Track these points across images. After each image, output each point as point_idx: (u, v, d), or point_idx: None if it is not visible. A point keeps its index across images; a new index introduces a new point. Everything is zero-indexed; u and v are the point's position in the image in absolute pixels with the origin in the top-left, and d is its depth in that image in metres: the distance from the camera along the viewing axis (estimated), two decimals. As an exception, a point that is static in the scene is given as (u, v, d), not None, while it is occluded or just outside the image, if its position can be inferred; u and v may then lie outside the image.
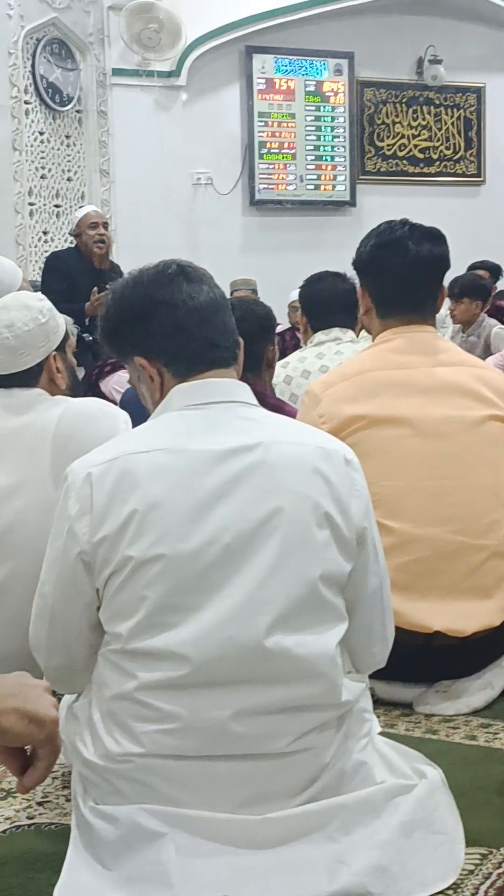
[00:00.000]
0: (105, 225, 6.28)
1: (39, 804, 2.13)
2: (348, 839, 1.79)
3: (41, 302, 2.76)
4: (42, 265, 7.76)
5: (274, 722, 1.78)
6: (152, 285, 1.98)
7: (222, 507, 1.82)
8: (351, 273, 3.16)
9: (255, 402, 1.98)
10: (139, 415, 2.05)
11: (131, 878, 1.73)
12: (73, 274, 6.06)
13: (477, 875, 1.81)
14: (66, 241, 8.17)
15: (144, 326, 1.97)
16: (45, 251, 8.03)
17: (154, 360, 1.97)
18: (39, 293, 3.10)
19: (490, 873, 1.82)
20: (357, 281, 3.05)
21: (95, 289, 5.65)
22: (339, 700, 1.84)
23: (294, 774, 1.81)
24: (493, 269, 8.10)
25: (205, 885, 1.69)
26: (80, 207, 7.38)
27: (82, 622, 1.91)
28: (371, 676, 2.46)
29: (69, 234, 6.43)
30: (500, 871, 1.83)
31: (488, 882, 1.79)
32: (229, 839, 1.75)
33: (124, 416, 2.66)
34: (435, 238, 2.84)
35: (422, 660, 2.57)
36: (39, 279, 6.86)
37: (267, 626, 1.78)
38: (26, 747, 1.29)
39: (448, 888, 1.77)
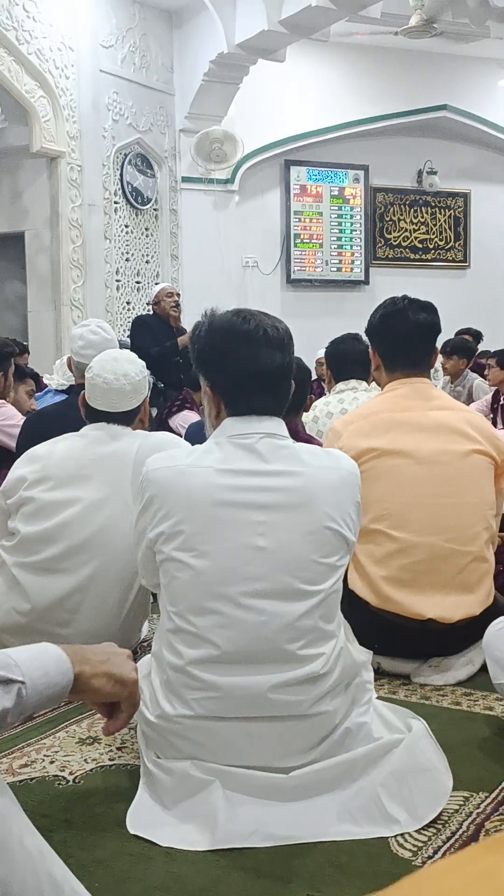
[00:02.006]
0: (178, 295, 6.34)
1: (119, 749, 2.13)
2: (353, 787, 1.79)
3: (140, 360, 2.80)
4: (126, 327, 7.88)
5: (296, 690, 1.78)
6: (239, 340, 1.85)
7: (259, 516, 1.81)
8: (366, 338, 3.16)
9: (287, 435, 1.93)
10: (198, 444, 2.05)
11: (186, 816, 1.74)
12: (154, 331, 6.13)
13: (461, 813, 1.80)
14: (143, 309, 8.24)
15: (219, 366, 1.89)
16: (128, 317, 8.09)
17: (217, 394, 1.92)
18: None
19: (471, 812, 1.81)
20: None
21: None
22: (342, 665, 1.84)
23: (311, 734, 1.81)
24: (476, 335, 8.09)
25: (243, 821, 1.70)
26: (156, 284, 7.45)
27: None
28: (378, 653, 2.46)
29: (149, 304, 6.49)
30: (478, 810, 1.81)
31: (470, 819, 1.78)
32: (260, 793, 1.75)
33: (188, 446, 2.66)
34: (429, 309, 2.83)
35: (418, 640, 2.57)
36: (124, 337, 6.93)
37: (281, 627, 1.78)
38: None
39: (438, 823, 1.75)
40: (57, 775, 2.00)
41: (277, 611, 1.77)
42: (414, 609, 2.53)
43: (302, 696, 1.77)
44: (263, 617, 1.76)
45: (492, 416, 6.00)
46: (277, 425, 1.90)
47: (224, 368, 1.88)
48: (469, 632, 2.55)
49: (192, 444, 2.23)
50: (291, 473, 1.84)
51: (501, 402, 6.10)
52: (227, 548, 1.79)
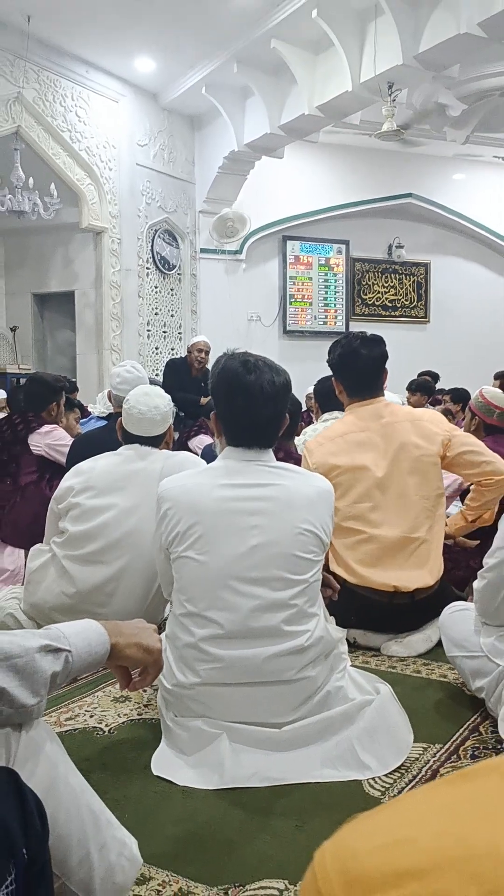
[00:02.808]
0: (207, 352, 6.23)
1: (145, 706, 2.12)
2: (333, 739, 1.78)
3: (167, 395, 2.80)
4: (154, 368, 7.93)
5: (285, 660, 1.77)
6: (243, 392, 1.80)
7: (252, 520, 1.80)
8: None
9: (276, 461, 1.90)
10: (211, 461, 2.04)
11: (199, 762, 1.73)
12: (180, 373, 6.18)
13: (420, 761, 1.79)
14: (169, 353, 8.27)
15: (221, 404, 1.88)
16: (157, 360, 8.12)
17: (219, 422, 1.91)
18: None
19: (429, 760, 1.80)
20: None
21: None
22: (322, 640, 1.83)
23: (298, 695, 1.80)
24: (434, 376, 8.07)
25: (245, 766, 1.69)
26: (197, 335, 7.33)
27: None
28: (354, 627, 2.45)
29: (171, 349, 6.49)
30: (434, 758, 1.81)
31: (427, 766, 1.77)
32: (258, 744, 1.74)
33: (203, 464, 2.66)
34: (377, 343, 2.78)
35: (386, 617, 2.56)
36: (153, 376, 6.96)
37: (272, 609, 1.77)
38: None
39: (401, 769, 1.75)
40: (95, 727, 2.00)
41: (269, 596, 1.77)
42: (381, 581, 2.54)
43: (290, 665, 1.77)
44: (258, 601, 1.76)
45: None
46: (267, 456, 1.90)
47: (224, 408, 1.88)
48: (427, 609, 2.56)
49: (207, 462, 2.22)
50: (277, 486, 1.85)
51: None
52: (227, 546, 1.79)
